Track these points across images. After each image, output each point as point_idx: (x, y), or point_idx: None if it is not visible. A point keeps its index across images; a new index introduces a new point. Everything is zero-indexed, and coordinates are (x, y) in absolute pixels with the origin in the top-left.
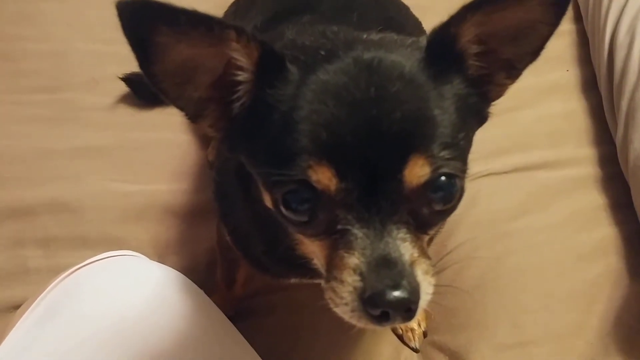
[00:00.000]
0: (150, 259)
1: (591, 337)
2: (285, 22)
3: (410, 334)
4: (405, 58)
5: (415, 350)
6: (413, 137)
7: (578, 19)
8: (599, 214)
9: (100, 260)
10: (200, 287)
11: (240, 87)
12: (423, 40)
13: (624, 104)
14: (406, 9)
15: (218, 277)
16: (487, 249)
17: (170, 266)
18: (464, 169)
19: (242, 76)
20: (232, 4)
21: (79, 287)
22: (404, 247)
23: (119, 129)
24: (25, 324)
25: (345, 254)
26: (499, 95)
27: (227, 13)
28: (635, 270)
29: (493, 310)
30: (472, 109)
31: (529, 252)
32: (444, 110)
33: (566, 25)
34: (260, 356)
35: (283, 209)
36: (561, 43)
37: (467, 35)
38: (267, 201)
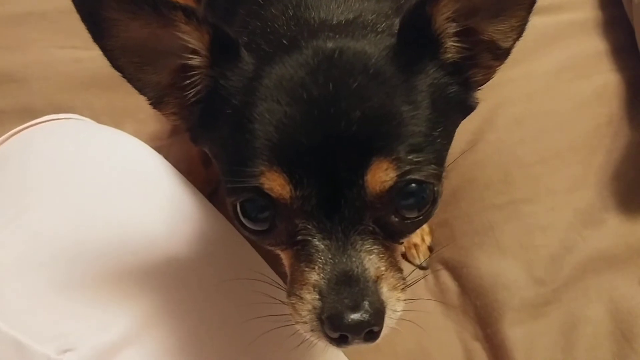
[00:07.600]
0: None
1: (588, 191)
2: None
3: (413, 250)
4: (373, 47)
5: (422, 268)
6: (376, 137)
7: None
8: (599, 60)
9: (41, 124)
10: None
11: (195, 72)
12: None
13: None
14: None
15: (194, 152)
16: (480, 100)
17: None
18: (439, 174)
19: (195, 60)
20: None
21: (19, 151)
22: (369, 260)
23: None
24: None
25: (306, 269)
26: (486, 79)
27: None
28: (637, 118)
29: (486, 167)
30: (453, 99)
31: (526, 102)
32: (415, 105)
33: None
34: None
35: (242, 218)
36: None
37: (445, 12)
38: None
